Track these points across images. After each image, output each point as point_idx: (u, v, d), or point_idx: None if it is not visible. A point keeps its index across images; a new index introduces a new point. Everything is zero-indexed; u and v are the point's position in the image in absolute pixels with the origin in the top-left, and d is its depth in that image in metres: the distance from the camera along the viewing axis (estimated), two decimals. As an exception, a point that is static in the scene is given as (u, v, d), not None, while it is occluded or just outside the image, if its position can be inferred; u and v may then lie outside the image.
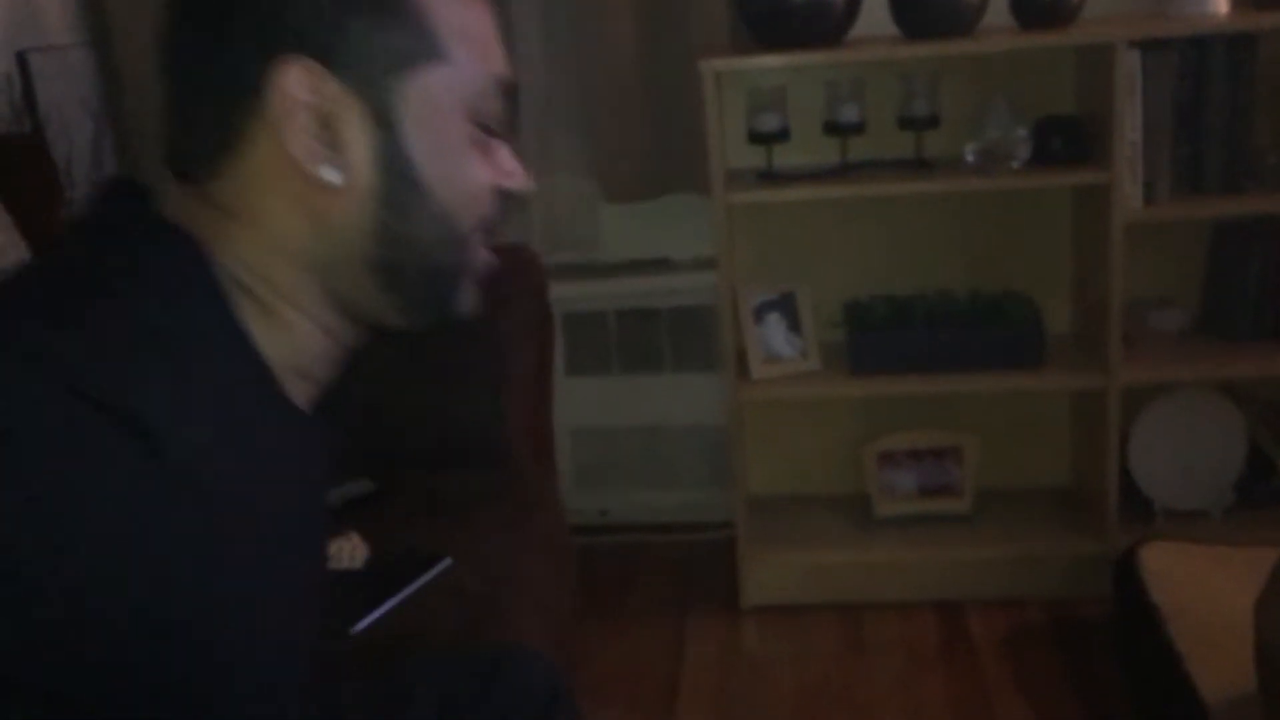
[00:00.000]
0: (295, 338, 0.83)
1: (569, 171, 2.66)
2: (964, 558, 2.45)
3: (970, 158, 2.30)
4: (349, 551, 1.58)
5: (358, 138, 0.79)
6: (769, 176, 2.38)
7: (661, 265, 2.74)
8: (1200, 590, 2.04)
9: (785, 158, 2.40)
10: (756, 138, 2.37)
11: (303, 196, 0.79)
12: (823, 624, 2.43)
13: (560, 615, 1.89)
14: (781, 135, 2.37)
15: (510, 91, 0.87)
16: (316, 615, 0.91)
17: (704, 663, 2.33)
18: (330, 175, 0.79)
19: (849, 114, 2.35)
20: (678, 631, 2.44)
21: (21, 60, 2.40)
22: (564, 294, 2.59)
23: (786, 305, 2.47)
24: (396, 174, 0.80)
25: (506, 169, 0.87)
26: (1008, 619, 2.38)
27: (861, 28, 2.32)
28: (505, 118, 0.87)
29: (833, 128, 2.37)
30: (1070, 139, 2.29)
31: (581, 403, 2.79)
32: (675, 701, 2.22)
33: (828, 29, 2.26)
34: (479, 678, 1.20)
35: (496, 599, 1.54)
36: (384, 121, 0.79)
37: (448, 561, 1.57)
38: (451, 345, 1.87)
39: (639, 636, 2.44)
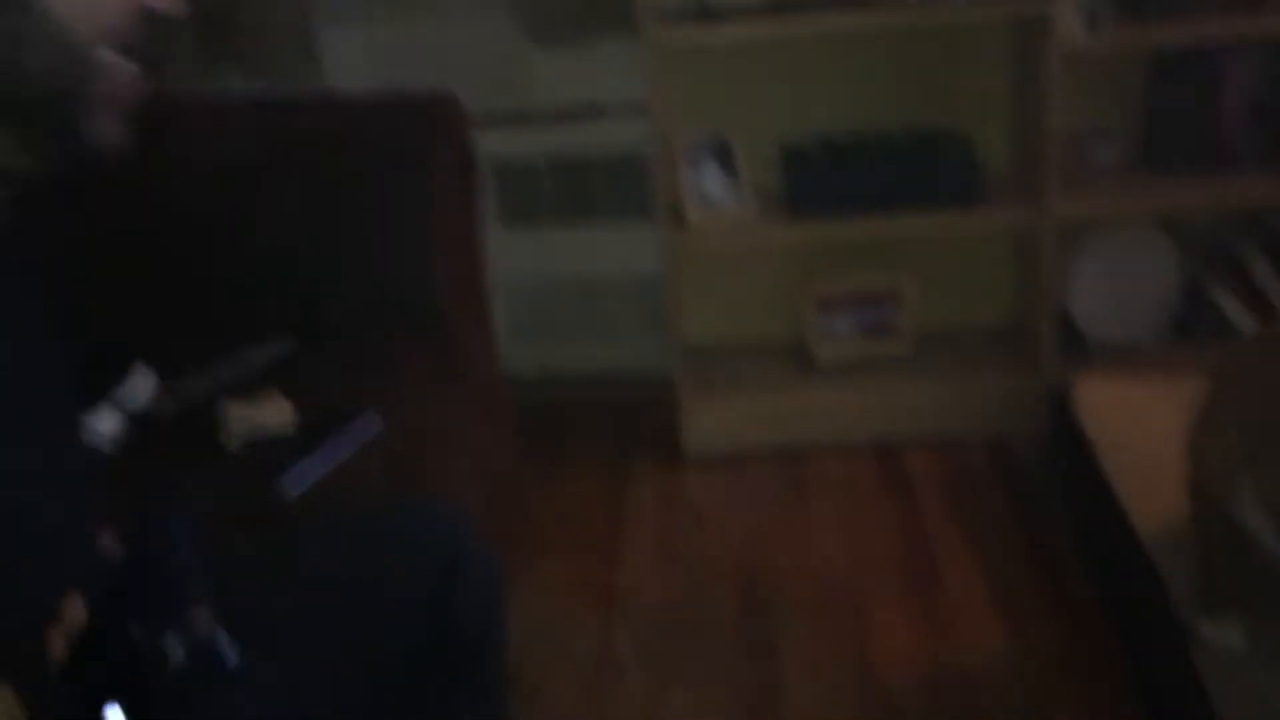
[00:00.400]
0: None
1: (491, 12, 2.54)
2: (904, 399, 2.46)
3: (908, -10, 2.22)
4: (274, 414, 1.53)
5: None
6: (702, 13, 2.29)
7: (594, 112, 2.65)
8: (1134, 422, 2.05)
9: (716, -4, 2.30)
10: (686, -28, 2.27)
11: None
12: (764, 469, 2.44)
13: (498, 472, 1.88)
14: (713, -30, 2.27)
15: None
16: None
17: (646, 512, 2.34)
18: None
19: (782, -54, 2.25)
20: (619, 482, 2.44)
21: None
22: (493, 144, 2.50)
23: (721, 150, 2.40)
24: None
25: None
26: (947, 457, 2.40)
27: None
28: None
29: (765, -39, 2.27)
30: (1009, -34, 2.22)
31: (516, 256, 2.72)
32: (618, 550, 2.23)
33: None
34: (378, 532, 1.16)
35: (427, 458, 1.51)
36: None
37: (376, 420, 1.53)
38: (372, 199, 1.80)
39: (581, 489, 2.44)
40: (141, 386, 1.66)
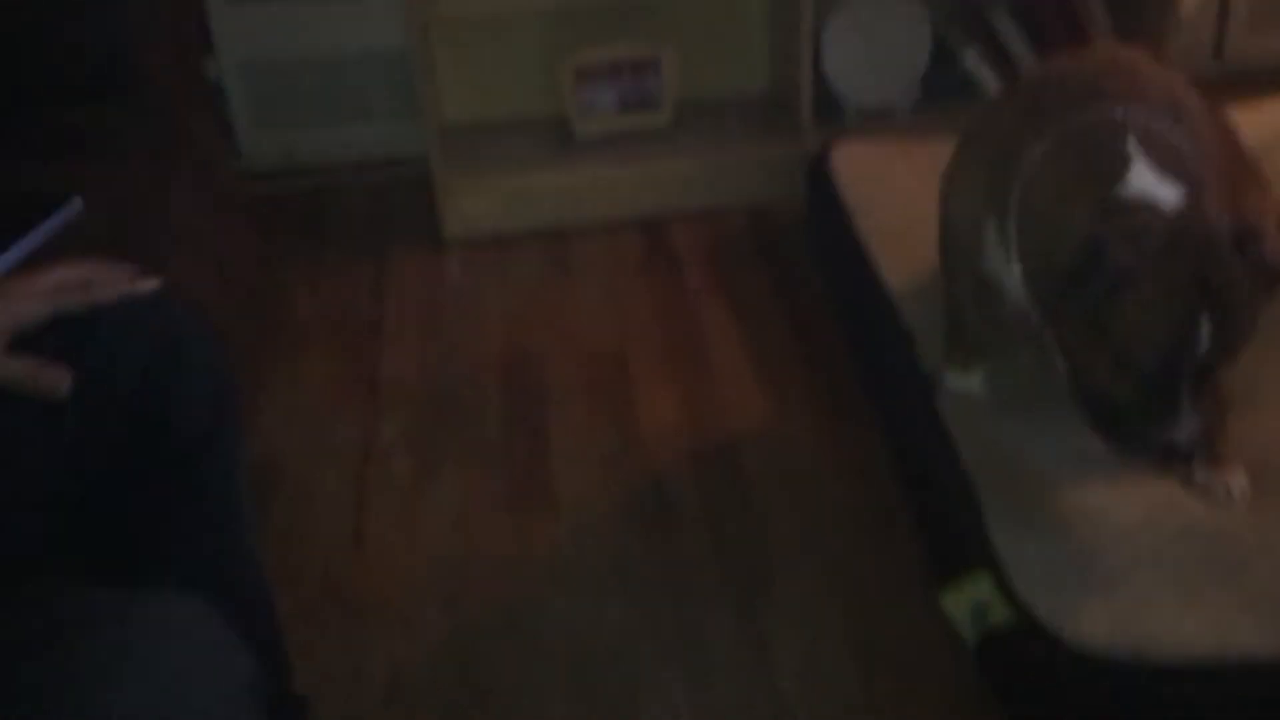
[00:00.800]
0: None
1: None
2: (665, 172, 2.43)
3: None
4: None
5: None
6: None
7: None
8: (886, 186, 2.09)
9: None
10: None
11: None
12: (527, 250, 2.38)
13: (231, 262, 1.75)
14: None
15: None
16: None
17: (407, 299, 2.26)
18: None
19: None
20: (378, 270, 2.34)
21: None
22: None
23: (466, -92, 2.23)
24: None
25: None
26: (709, 228, 2.40)
27: None
28: None
29: None
30: None
31: (250, 32, 2.50)
32: (380, 340, 2.15)
33: None
34: (79, 322, 1.05)
35: (139, 244, 1.38)
36: None
37: (77, 203, 1.37)
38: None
39: (337, 279, 2.33)
40: None
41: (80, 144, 1.47)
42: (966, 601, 1.39)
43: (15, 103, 1.47)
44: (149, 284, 1.08)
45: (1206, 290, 1.22)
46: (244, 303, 1.81)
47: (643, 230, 2.41)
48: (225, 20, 2.48)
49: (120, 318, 1.04)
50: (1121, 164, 1.31)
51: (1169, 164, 1.31)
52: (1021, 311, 1.49)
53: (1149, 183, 1.30)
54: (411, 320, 2.21)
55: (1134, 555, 1.35)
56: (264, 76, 2.56)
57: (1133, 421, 1.27)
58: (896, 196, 2.04)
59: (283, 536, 1.75)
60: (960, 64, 2.45)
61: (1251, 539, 1.37)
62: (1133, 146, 1.31)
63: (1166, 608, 1.28)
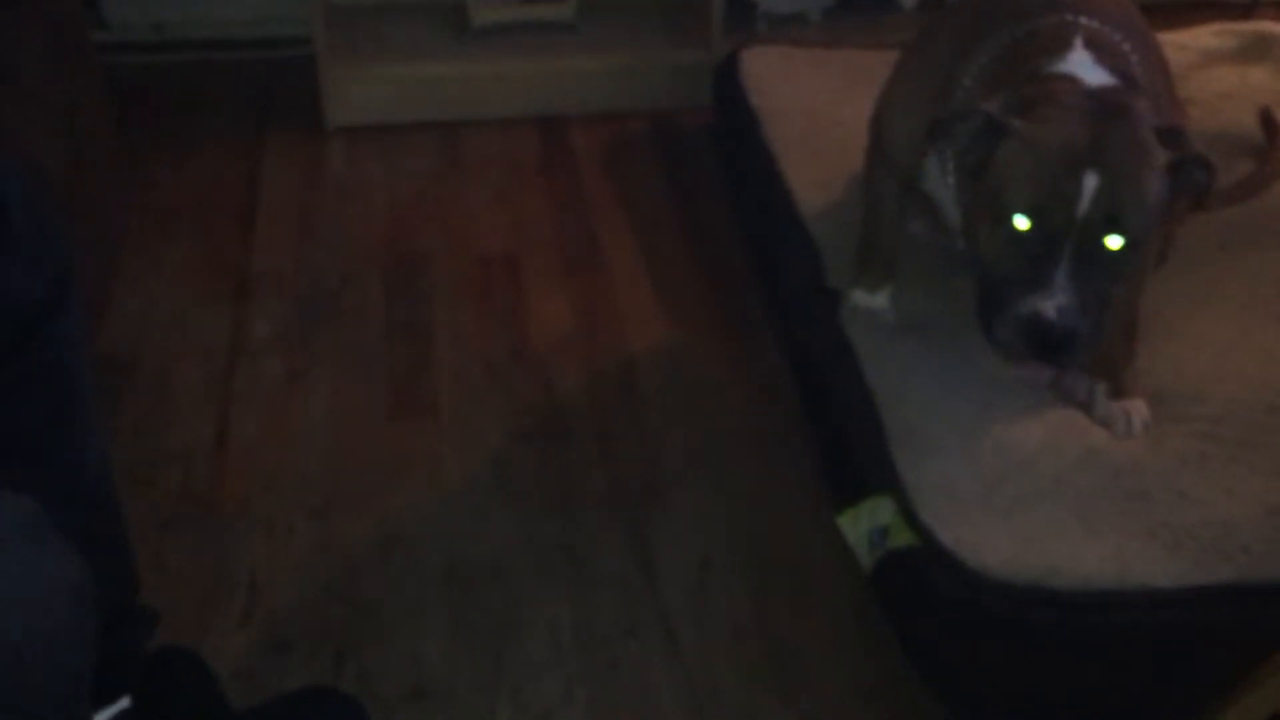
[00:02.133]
0: None
1: None
2: (567, 69, 2.30)
3: None
4: None
5: None
6: None
7: None
8: (796, 92, 2.01)
9: None
10: None
11: None
12: (417, 143, 2.24)
13: (85, 134, 1.59)
14: None
15: None
16: None
17: (284, 189, 2.11)
18: None
19: None
20: (254, 158, 2.18)
21: None
22: None
23: None
24: None
25: None
26: (610, 131, 2.29)
27: None
28: None
29: None
30: None
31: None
32: (253, 230, 2.00)
33: None
34: None
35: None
36: None
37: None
38: None
39: (211, 165, 2.16)
40: None
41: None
42: (865, 524, 1.34)
43: None
44: None
45: (1098, 149, 1.16)
46: (99, 179, 1.65)
47: (540, 129, 2.29)
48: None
49: None
50: (1062, 50, 1.25)
51: (1112, 64, 1.25)
52: (953, 229, 1.43)
53: (1082, 64, 1.24)
54: (288, 212, 2.06)
55: (1037, 482, 1.31)
56: (132, -61, 2.36)
57: (1008, 294, 1.20)
58: (806, 105, 1.97)
59: (137, 437, 1.62)
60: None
61: (1153, 469, 1.35)
62: (1078, 41, 1.26)
63: (1068, 536, 1.25)
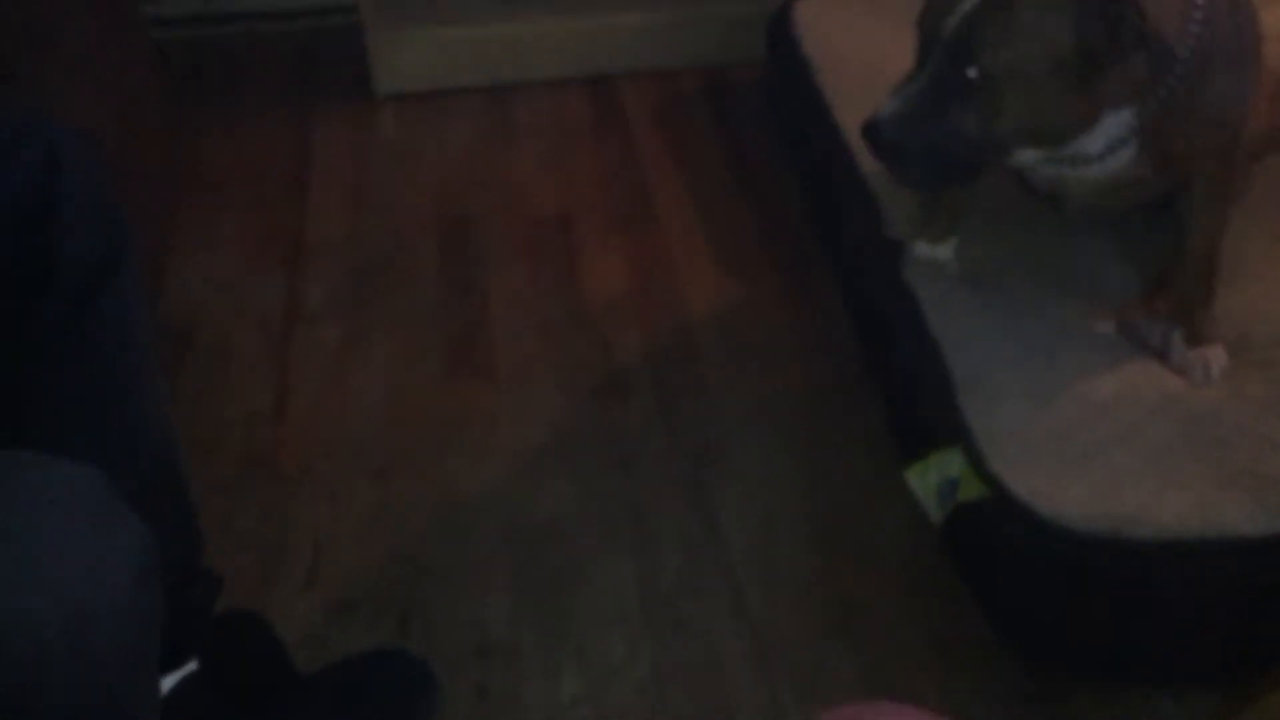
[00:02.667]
0: None
1: None
2: (616, 26, 2.27)
3: None
4: None
5: None
6: None
7: None
8: (852, 43, 1.96)
9: None
10: None
11: None
12: (467, 108, 2.23)
13: (138, 105, 1.59)
14: None
15: None
16: None
17: (335, 157, 2.10)
18: None
19: None
20: (304, 127, 2.18)
21: None
22: None
23: None
24: None
25: None
26: (661, 88, 2.26)
27: None
28: None
29: None
30: None
31: None
32: (306, 198, 2.00)
33: None
34: None
35: (26, 65, 1.22)
36: None
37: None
38: None
39: (262, 135, 2.16)
40: None
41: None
42: (934, 477, 1.31)
43: None
44: None
45: None
46: (151, 151, 1.65)
47: (590, 88, 2.26)
48: None
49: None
50: None
51: None
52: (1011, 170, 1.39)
53: None
54: (340, 179, 2.05)
55: (1112, 430, 1.27)
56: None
57: None
58: (863, 54, 1.91)
59: (199, 404, 1.63)
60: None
61: (1231, 415, 1.30)
62: None
63: (1145, 484, 1.21)
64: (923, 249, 1.52)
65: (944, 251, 1.52)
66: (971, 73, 1.14)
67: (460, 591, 1.39)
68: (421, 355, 1.70)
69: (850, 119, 1.78)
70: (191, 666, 1.12)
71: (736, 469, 1.54)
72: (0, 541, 0.72)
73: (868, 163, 1.69)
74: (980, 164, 1.23)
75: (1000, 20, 1.12)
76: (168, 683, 1.09)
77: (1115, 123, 1.23)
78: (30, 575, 0.72)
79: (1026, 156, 1.28)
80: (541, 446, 1.57)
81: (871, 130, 1.19)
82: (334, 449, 1.56)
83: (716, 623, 1.36)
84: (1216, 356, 1.38)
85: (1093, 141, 1.25)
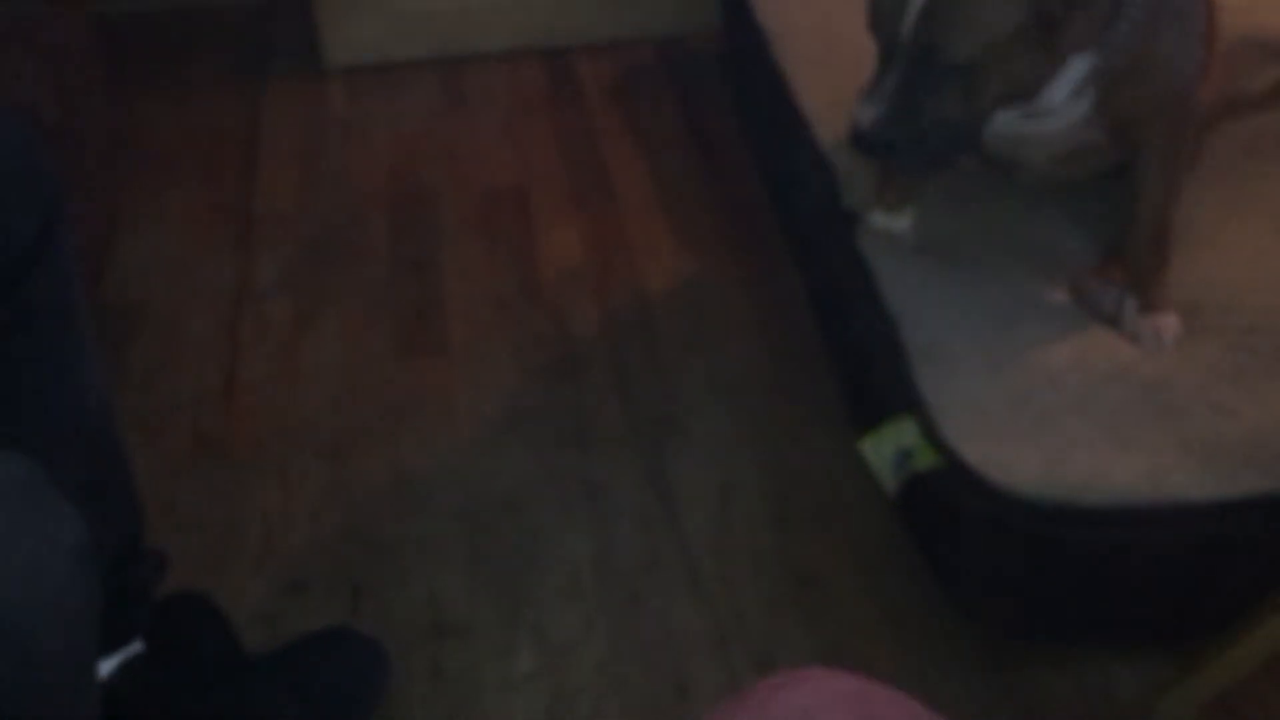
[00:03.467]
0: None
1: None
2: (570, -2, 2.25)
3: None
4: None
5: None
6: None
7: None
8: (807, 12, 1.94)
9: None
10: None
11: None
12: (419, 80, 2.19)
13: (76, 74, 1.55)
14: None
15: None
16: None
17: (285, 131, 2.07)
18: None
19: None
20: (253, 99, 2.14)
21: None
22: None
23: None
24: None
25: None
26: (616, 60, 2.23)
27: None
28: None
29: None
30: None
31: None
32: (255, 173, 1.97)
33: None
34: None
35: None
36: None
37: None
38: None
39: (209, 108, 2.12)
40: None
41: None
42: (888, 447, 1.30)
43: None
44: None
45: None
46: (92, 126, 1.61)
47: (545, 61, 2.24)
48: None
49: None
50: None
51: None
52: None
53: None
54: (290, 152, 2.02)
55: (1065, 398, 1.27)
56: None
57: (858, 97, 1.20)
58: (817, 23, 1.90)
59: (147, 384, 1.60)
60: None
61: (1185, 382, 1.30)
62: None
63: (1099, 451, 1.21)
64: (879, 219, 1.51)
65: (901, 222, 1.52)
66: (947, 63, 1.14)
67: (414, 569, 1.37)
68: (374, 331, 1.68)
69: (807, 90, 1.77)
70: (136, 648, 1.10)
71: (692, 443, 1.53)
72: None
73: (825, 133, 1.69)
74: (968, 138, 1.23)
75: (959, 8, 1.12)
76: (110, 664, 1.08)
77: (1076, 68, 1.23)
78: None
79: (998, 118, 1.28)
80: (496, 422, 1.56)
81: (861, 139, 1.19)
82: (286, 427, 1.54)
83: (673, 598, 1.35)
84: (1169, 324, 1.38)
85: (1056, 90, 1.25)
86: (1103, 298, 1.40)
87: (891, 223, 1.51)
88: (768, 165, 1.91)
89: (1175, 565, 1.21)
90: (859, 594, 1.35)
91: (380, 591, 1.35)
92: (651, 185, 1.95)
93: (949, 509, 1.22)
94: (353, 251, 1.81)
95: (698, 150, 2.02)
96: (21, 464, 0.79)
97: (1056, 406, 1.27)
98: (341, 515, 1.43)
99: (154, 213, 1.88)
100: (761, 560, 1.39)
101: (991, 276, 1.42)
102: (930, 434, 1.25)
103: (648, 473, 1.49)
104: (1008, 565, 1.22)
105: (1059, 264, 1.45)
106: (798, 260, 1.75)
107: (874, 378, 1.41)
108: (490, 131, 2.07)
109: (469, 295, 1.74)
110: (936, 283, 1.42)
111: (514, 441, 1.53)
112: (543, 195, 1.93)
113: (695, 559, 1.39)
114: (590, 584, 1.37)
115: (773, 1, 1.96)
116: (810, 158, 1.67)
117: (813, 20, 1.90)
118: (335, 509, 1.44)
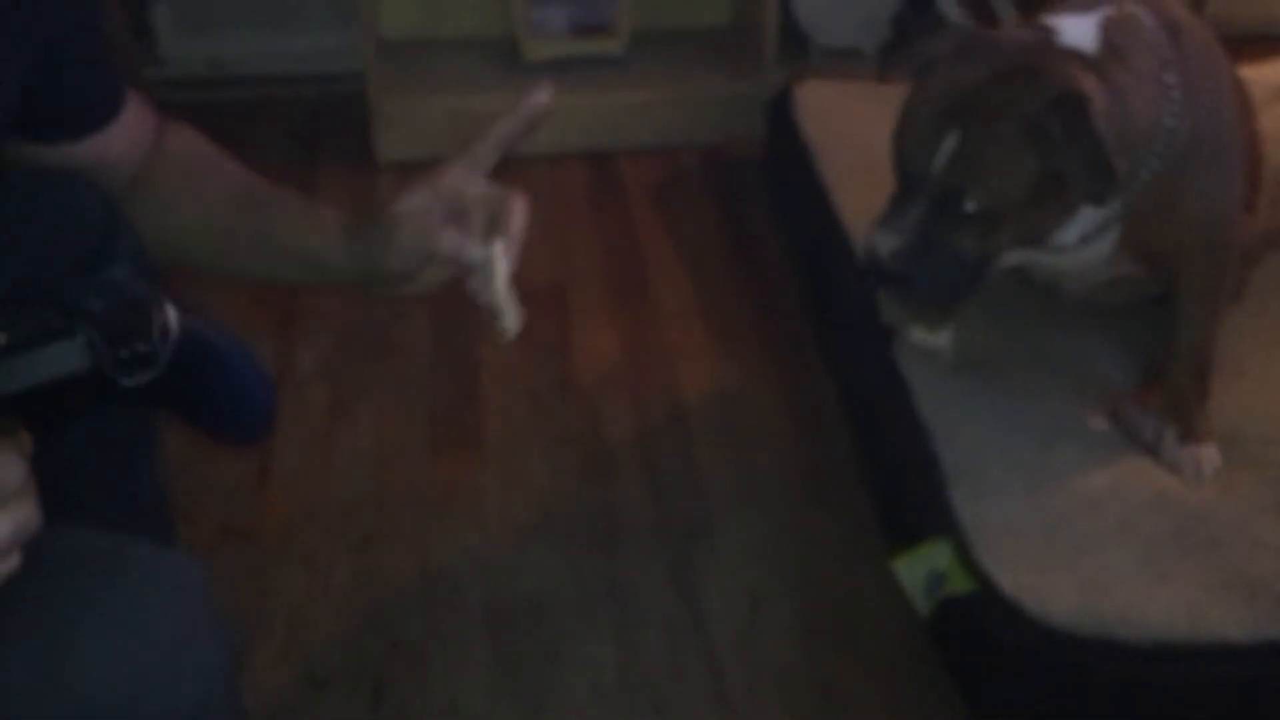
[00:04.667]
0: None
1: None
2: (617, 103, 2.29)
3: None
4: None
5: None
6: None
7: None
8: (849, 126, 1.98)
9: None
10: None
11: None
12: (466, 177, 2.23)
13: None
14: None
15: None
16: None
17: (334, 221, 2.10)
18: None
19: None
20: (305, 191, 2.13)
21: None
22: None
23: None
24: None
25: None
26: (661, 165, 2.27)
27: None
28: None
29: None
30: None
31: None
32: (301, 263, 2.00)
33: None
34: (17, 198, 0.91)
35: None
36: None
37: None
38: None
39: (260, 197, 2.16)
40: None
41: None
42: (922, 568, 1.29)
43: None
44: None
45: (966, 110, 1.13)
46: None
47: (590, 163, 2.28)
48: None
49: (59, 198, 0.91)
50: (1078, 8, 1.22)
51: (1114, 36, 1.19)
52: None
53: (1075, 25, 1.19)
54: (337, 244, 2.05)
55: (1102, 525, 1.26)
56: (188, -23, 2.38)
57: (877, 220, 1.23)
58: (861, 139, 1.92)
59: (181, 468, 1.60)
60: (934, 6, 2.34)
61: (1225, 515, 1.29)
62: (1101, 6, 1.21)
63: (1136, 583, 1.20)
64: (917, 335, 1.52)
65: (940, 339, 1.52)
66: (969, 207, 1.15)
67: (436, 668, 1.36)
68: (409, 424, 1.69)
69: (848, 202, 1.79)
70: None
71: (723, 548, 1.52)
72: (133, 632, 0.71)
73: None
74: (978, 278, 1.24)
75: (989, 156, 1.14)
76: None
77: (1088, 215, 1.24)
78: (164, 670, 0.71)
79: (1011, 256, 1.29)
80: (526, 521, 1.55)
81: (877, 267, 1.21)
82: (316, 517, 1.54)
83: (697, 709, 1.33)
84: (1209, 455, 1.36)
85: (1068, 233, 1.26)
86: (1142, 424, 1.39)
87: (930, 339, 1.51)
88: (807, 275, 1.92)
89: (1216, 704, 1.18)
90: (884, 713, 1.33)
91: (402, 689, 1.34)
92: (691, 289, 1.97)
93: (981, 636, 1.21)
94: (392, 344, 1.83)
95: (738, 256, 2.04)
96: (199, 566, 0.80)
97: (1093, 533, 1.26)
98: (367, 609, 1.43)
99: (199, 297, 1.90)
100: (789, 673, 1.37)
101: (1031, 398, 1.42)
102: (964, 558, 1.23)
103: (676, 579, 1.48)
104: (1039, 696, 1.20)
105: (1099, 386, 1.45)
106: (834, 371, 1.75)
107: (909, 495, 1.40)
108: (533, 230, 2.08)
109: (505, 392, 1.75)
110: (974, 401, 1.42)
111: (542, 541, 1.52)
112: (582, 295, 1.94)
113: (721, 668, 1.37)
114: (613, 691, 1.35)
115: (817, 116, 2.00)
116: (850, 270, 1.68)
117: (856, 136, 1.93)
118: (361, 602, 1.43)
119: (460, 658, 1.37)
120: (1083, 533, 1.25)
